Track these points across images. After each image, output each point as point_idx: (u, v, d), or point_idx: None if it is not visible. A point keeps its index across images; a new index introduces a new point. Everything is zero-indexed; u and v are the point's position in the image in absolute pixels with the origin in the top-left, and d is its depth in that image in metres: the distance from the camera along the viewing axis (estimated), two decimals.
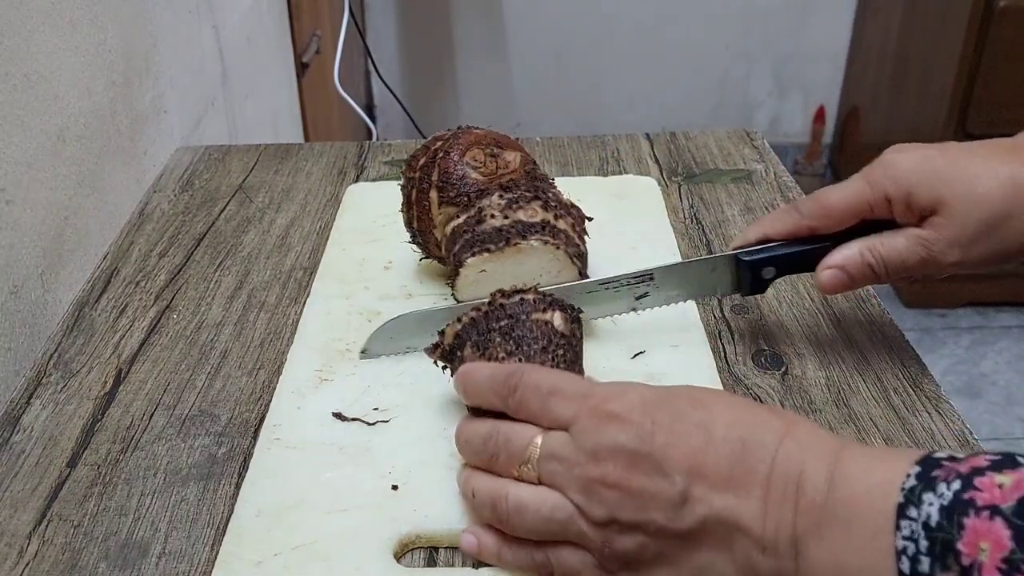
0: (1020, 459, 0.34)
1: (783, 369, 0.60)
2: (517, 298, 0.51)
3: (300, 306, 0.67)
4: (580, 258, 0.60)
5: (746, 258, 0.58)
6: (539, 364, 0.49)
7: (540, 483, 0.44)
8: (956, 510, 0.34)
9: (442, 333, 0.53)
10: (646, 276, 0.59)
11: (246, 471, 0.52)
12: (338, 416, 0.55)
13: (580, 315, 0.53)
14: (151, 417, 0.57)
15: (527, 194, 0.61)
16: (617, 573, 0.42)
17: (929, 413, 0.56)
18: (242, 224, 0.79)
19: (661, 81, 2.51)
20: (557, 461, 0.43)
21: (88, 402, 0.59)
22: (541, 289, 0.54)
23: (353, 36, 1.81)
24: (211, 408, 0.58)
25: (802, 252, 0.57)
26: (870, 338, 0.63)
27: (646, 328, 0.62)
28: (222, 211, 0.82)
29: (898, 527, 0.35)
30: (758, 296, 0.67)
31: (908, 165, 0.53)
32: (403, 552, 0.48)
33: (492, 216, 0.60)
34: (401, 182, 0.67)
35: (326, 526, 0.48)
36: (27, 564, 0.47)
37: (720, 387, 0.58)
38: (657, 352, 0.60)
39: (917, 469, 0.36)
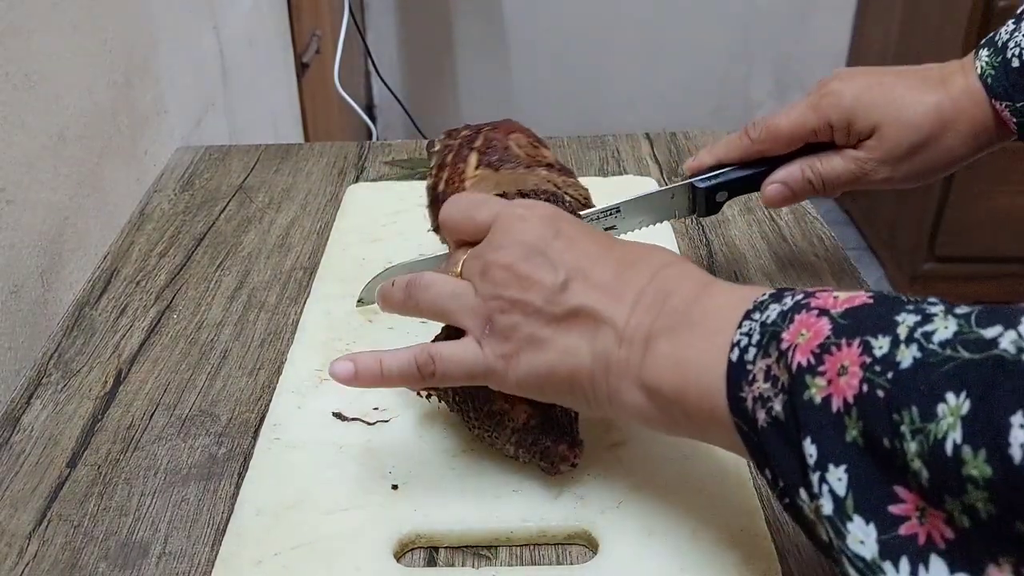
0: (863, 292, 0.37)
1: None
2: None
3: (300, 306, 0.67)
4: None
5: (701, 185, 0.63)
6: None
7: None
8: (792, 311, 0.37)
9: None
10: (613, 210, 0.62)
11: (246, 471, 0.52)
12: (338, 416, 0.56)
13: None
14: (151, 417, 0.57)
15: (541, 199, 0.60)
16: (491, 357, 0.45)
17: None
18: (242, 224, 0.79)
19: (661, 81, 2.51)
20: (474, 257, 0.47)
21: (88, 402, 0.59)
22: None
23: (353, 36, 1.81)
24: (211, 408, 0.58)
25: (752, 175, 0.63)
26: None
27: None
28: (222, 211, 0.82)
29: (740, 326, 0.39)
30: None
31: (850, 94, 0.60)
32: (403, 552, 0.48)
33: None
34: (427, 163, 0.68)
35: (326, 526, 0.48)
36: (27, 564, 0.47)
37: None
38: None
39: (773, 291, 0.40)
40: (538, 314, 0.44)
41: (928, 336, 0.32)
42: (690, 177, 0.64)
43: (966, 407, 0.29)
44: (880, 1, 2.30)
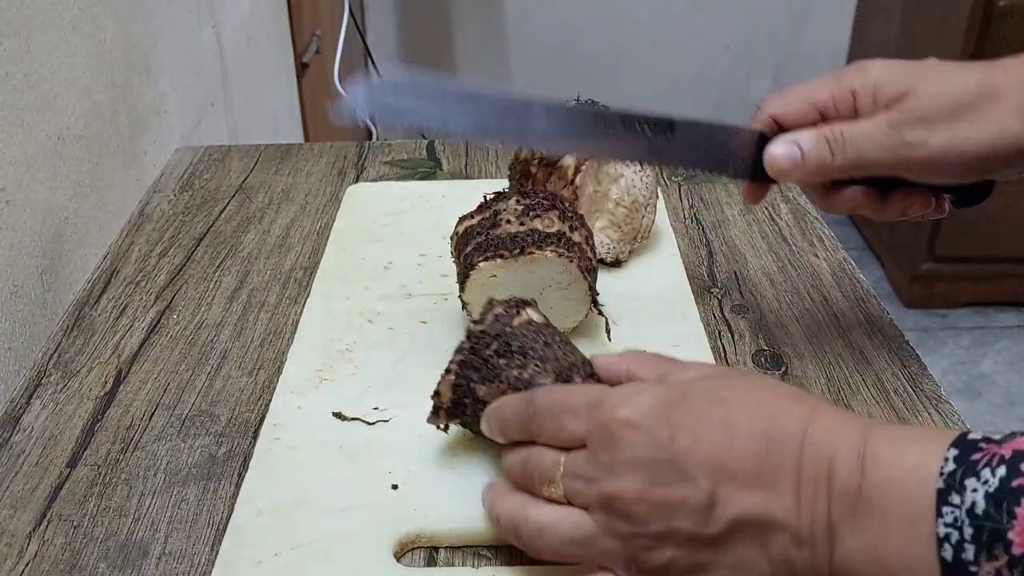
0: None
1: (783, 369, 0.60)
2: (490, 317, 0.50)
3: (300, 306, 0.67)
4: (591, 272, 0.60)
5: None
6: (552, 360, 0.48)
7: (567, 503, 0.42)
8: (1006, 498, 0.32)
9: (437, 394, 0.50)
10: (665, 123, 0.54)
11: (246, 471, 0.52)
12: (338, 416, 0.55)
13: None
14: (151, 417, 0.57)
15: (545, 202, 0.60)
16: None
17: (929, 413, 0.56)
18: (242, 224, 0.79)
19: (661, 81, 2.51)
20: (579, 479, 0.41)
21: (88, 402, 0.59)
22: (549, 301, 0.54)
23: (353, 36, 1.81)
24: (211, 408, 0.58)
25: None
26: (870, 338, 0.63)
27: (646, 328, 0.62)
28: (222, 211, 0.82)
29: (940, 513, 0.34)
30: (758, 296, 0.67)
31: (879, 66, 0.52)
32: (403, 552, 0.48)
33: (508, 221, 0.59)
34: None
35: (326, 526, 0.48)
36: (27, 564, 0.47)
37: None
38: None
39: (955, 452, 0.35)
40: (694, 540, 0.38)
41: None
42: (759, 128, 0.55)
43: None
44: (880, 1, 2.30)
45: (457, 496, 0.49)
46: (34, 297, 0.70)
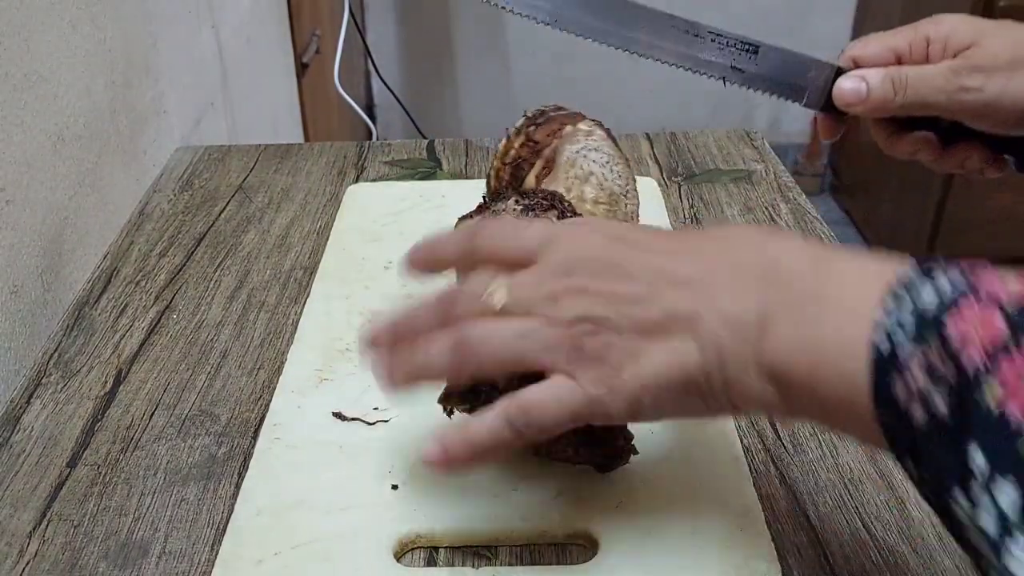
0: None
1: None
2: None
3: (300, 306, 0.67)
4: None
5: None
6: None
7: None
8: (955, 291, 0.33)
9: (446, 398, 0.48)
10: (751, 46, 0.60)
11: (246, 471, 0.52)
12: (338, 416, 0.55)
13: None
14: (151, 417, 0.57)
15: (544, 202, 0.60)
16: (593, 381, 0.40)
17: None
18: (242, 224, 0.79)
19: (661, 81, 2.51)
20: (526, 287, 0.41)
21: (88, 402, 0.59)
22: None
23: (353, 36, 1.81)
24: (211, 408, 0.58)
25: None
26: None
27: None
28: (222, 211, 0.82)
29: (883, 304, 0.34)
30: None
31: (953, 18, 0.57)
32: (403, 552, 0.48)
33: None
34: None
35: (326, 526, 0.48)
36: (27, 564, 0.47)
37: None
38: None
39: (914, 264, 0.35)
40: (631, 327, 0.39)
41: None
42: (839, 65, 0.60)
43: None
44: (880, 1, 2.30)
45: (457, 496, 0.49)
46: (34, 297, 0.70)
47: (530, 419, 0.40)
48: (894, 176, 2.27)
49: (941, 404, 0.32)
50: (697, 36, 0.61)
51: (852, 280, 0.36)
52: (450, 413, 0.50)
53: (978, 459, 0.31)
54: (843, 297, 0.36)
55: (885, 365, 0.34)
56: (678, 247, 0.42)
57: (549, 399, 0.40)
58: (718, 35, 0.61)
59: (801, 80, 0.61)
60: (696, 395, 0.40)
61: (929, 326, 0.33)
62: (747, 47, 0.60)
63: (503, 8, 0.62)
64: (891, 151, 0.62)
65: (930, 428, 0.32)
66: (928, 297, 0.33)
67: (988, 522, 0.30)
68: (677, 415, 0.42)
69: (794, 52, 0.61)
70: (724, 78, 0.61)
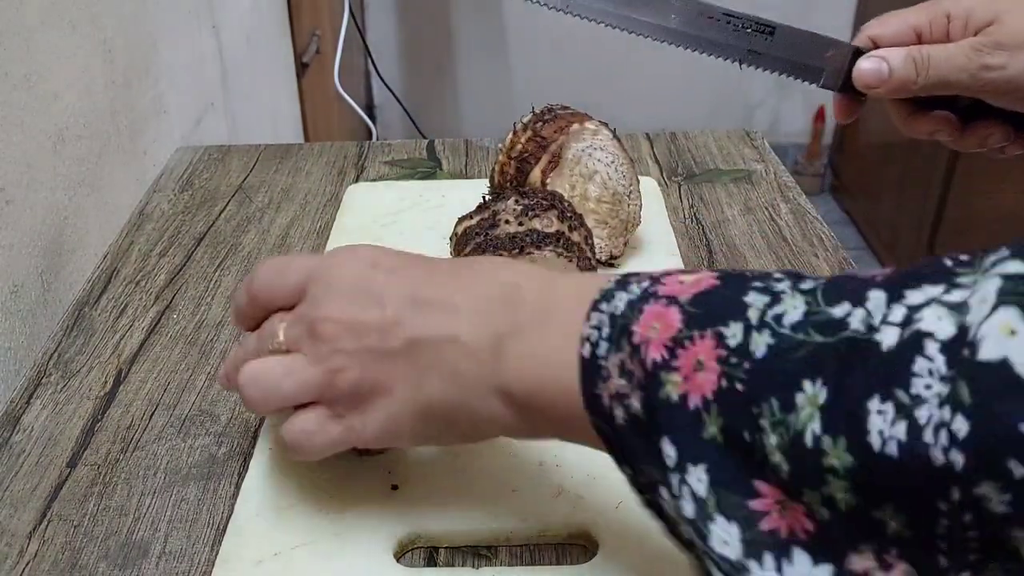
0: (706, 269, 0.36)
1: None
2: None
3: None
4: (591, 272, 0.60)
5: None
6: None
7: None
8: (640, 300, 0.35)
9: None
10: (767, 28, 0.59)
11: (246, 471, 0.52)
12: None
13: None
14: (151, 417, 0.57)
15: (544, 202, 0.60)
16: (343, 414, 0.42)
17: None
18: (242, 224, 0.79)
19: (661, 81, 2.51)
20: (296, 323, 0.44)
21: (88, 402, 0.59)
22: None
23: (353, 36, 1.81)
24: (211, 408, 0.58)
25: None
26: None
27: None
28: (222, 211, 0.82)
29: (588, 319, 0.37)
30: None
31: None
32: (403, 552, 0.48)
33: (507, 222, 0.59)
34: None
35: (326, 526, 0.48)
36: (27, 564, 0.47)
37: None
38: None
39: (618, 278, 0.38)
40: (377, 359, 0.41)
41: (779, 319, 0.31)
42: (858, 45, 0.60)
43: (823, 395, 0.29)
44: (880, 1, 2.31)
45: (457, 496, 0.49)
46: (34, 297, 0.70)
47: (300, 451, 0.44)
48: (894, 176, 2.27)
49: (635, 402, 0.34)
50: (712, 18, 0.60)
51: (571, 296, 0.39)
52: None
53: (670, 451, 0.32)
54: (563, 315, 0.38)
55: (590, 372, 0.36)
56: (429, 274, 0.43)
57: (313, 428, 0.43)
58: (733, 16, 0.60)
59: (818, 61, 0.60)
60: (439, 424, 0.42)
61: (621, 332, 0.35)
62: (763, 28, 0.59)
63: None
64: (910, 131, 0.61)
65: (630, 428, 0.34)
66: (621, 305, 0.36)
67: (689, 511, 0.32)
68: (433, 442, 0.45)
69: (811, 32, 0.60)
70: (740, 60, 0.60)
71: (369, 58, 2.12)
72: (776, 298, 0.32)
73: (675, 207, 0.80)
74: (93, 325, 0.66)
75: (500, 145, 0.71)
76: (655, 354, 0.33)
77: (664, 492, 0.33)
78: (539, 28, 2.46)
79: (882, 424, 0.27)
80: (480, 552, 0.48)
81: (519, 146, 0.69)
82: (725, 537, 0.31)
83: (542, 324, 0.39)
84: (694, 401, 0.32)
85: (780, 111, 2.60)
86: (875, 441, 0.27)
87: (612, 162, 0.68)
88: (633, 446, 0.35)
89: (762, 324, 0.32)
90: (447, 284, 0.42)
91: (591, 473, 0.50)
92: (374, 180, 0.86)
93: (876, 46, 0.59)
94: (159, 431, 0.56)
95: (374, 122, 2.17)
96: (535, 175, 0.67)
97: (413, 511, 0.49)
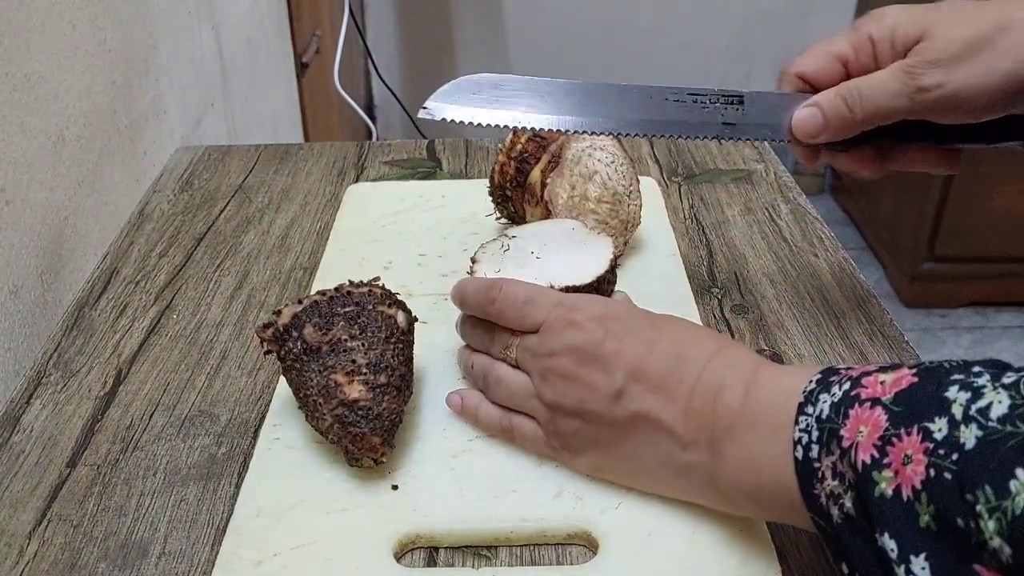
0: (903, 364, 0.38)
1: None
2: (365, 289, 0.54)
3: None
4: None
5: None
6: (381, 353, 0.51)
7: (517, 367, 0.52)
8: (844, 404, 0.38)
9: (277, 313, 0.53)
10: (735, 98, 0.56)
11: (246, 471, 0.52)
12: None
13: (417, 321, 0.56)
14: (151, 417, 0.57)
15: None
16: (559, 448, 0.50)
17: None
18: (242, 224, 0.79)
19: (661, 81, 2.51)
20: (528, 352, 0.50)
21: (88, 402, 0.59)
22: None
23: (353, 36, 1.81)
24: (211, 408, 0.58)
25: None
26: (870, 338, 0.63)
27: None
28: (222, 211, 0.82)
29: (797, 422, 0.40)
30: (758, 296, 0.67)
31: (895, 10, 0.52)
32: (403, 552, 0.48)
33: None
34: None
35: (326, 526, 0.48)
36: (27, 564, 0.47)
37: None
38: None
39: (818, 376, 0.41)
40: (599, 420, 0.47)
41: (984, 413, 0.33)
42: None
43: None
44: (880, 2, 2.30)
45: (457, 496, 0.49)
46: (34, 297, 0.70)
47: (514, 435, 0.52)
48: (894, 176, 2.27)
49: (848, 503, 0.36)
50: (678, 100, 0.57)
51: (774, 399, 0.42)
52: (267, 353, 0.53)
53: (892, 545, 0.34)
54: (770, 418, 0.41)
55: (806, 473, 0.39)
56: (652, 346, 0.47)
57: (529, 435, 0.51)
58: (699, 94, 0.57)
59: (783, 119, 0.56)
60: (649, 484, 0.48)
61: (831, 436, 0.38)
62: (731, 99, 0.56)
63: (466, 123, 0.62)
64: (834, 165, 0.59)
65: (846, 526, 0.37)
66: (826, 408, 0.39)
67: None
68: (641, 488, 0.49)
69: (779, 93, 0.56)
70: (719, 137, 0.56)
71: (369, 58, 2.12)
72: (978, 393, 0.34)
73: (675, 207, 0.80)
74: (93, 325, 0.66)
75: (500, 145, 0.71)
76: (864, 455, 0.36)
77: None
78: (539, 28, 2.46)
79: None
80: (480, 552, 0.48)
81: (519, 146, 0.69)
82: None
83: (753, 427, 0.42)
84: (906, 492, 0.34)
85: None
86: None
87: (612, 162, 0.68)
88: (850, 545, 0.36)
89: (968, 418, 0.33)
90: (668, 362, 0.46)
91: (591, 473, 0.50)
92: (374, 180, 0.86)
93: (805, 83, 0.55)
94: (159, 431, 0.56)
95: (374, 122, 2.17)
96: (535, 175, 0.67)
97: (413, 511, 0.49)
